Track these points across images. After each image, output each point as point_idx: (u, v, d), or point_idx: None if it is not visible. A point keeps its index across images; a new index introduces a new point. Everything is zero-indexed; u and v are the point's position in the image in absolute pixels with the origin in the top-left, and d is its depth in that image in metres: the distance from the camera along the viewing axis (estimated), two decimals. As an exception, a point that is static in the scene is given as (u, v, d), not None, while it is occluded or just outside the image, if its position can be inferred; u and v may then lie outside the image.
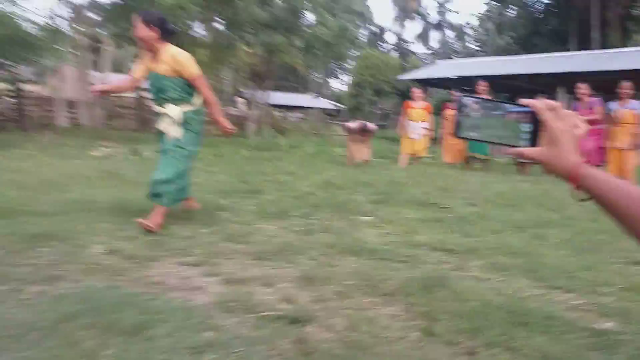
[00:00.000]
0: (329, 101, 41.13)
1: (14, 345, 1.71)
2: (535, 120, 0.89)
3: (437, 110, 10.38)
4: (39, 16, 13.20)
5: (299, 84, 50.14)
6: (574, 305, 2.44)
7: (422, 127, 9.34)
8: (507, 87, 19.99)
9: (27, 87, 15.42)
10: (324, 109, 32.85)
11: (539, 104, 0.88)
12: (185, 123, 3.72)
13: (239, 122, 18.97)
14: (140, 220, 3.44)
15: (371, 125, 9.21)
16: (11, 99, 13.96)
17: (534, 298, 2.51)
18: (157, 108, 3.80)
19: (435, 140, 10.45)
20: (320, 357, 1.82)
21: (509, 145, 0.90)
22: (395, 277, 2.79)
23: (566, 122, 0.87)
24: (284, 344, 1.90)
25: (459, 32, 52.38)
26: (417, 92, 9.64)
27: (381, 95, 34.13)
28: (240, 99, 24.62)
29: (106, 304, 2.05)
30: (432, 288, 2.56)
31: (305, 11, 16.33)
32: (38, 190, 4.82)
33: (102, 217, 3.81)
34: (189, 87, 3.74)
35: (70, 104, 14.78)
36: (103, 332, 1.84)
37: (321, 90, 50.85)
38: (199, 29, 17.45)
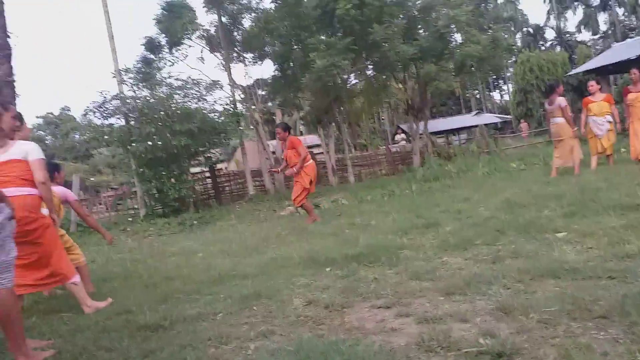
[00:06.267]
0: (494, 115, 39.01)
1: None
2: None
3: (620, 98, 9.12)
4: (219, 105, 15.44)
5: (459, 105, 48.80)
6: None
7: (607, 121, 8.31)
8: None
9: (219, 166, 17.96)
10: (489, 124, 31.24)
11: None
12: None
13: (403, 157, 19.13)
14: None
15: None
16: (208, 179, 16.38)
17: None
18: None
19: (624, 132, 9.08)
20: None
21: None
22: (608, 297, 2.48)
23: None
24: (491, 381, 1.82)
25: (632, 5, 45.63)
26: (592, 84, 8.68)
27: (552, 96, 31.18)
28: (399, 135, 24.91)
29: (316, 354, 2.22)
30: (657, 304, 2.21)
31: (452, 34, 15.98)
32: (241, 254, 5.51)
33: (297, 271, 4.17)
34: None
35: (255, 174, 16.78)
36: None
37: (484, 106, 48.67)
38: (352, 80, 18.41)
